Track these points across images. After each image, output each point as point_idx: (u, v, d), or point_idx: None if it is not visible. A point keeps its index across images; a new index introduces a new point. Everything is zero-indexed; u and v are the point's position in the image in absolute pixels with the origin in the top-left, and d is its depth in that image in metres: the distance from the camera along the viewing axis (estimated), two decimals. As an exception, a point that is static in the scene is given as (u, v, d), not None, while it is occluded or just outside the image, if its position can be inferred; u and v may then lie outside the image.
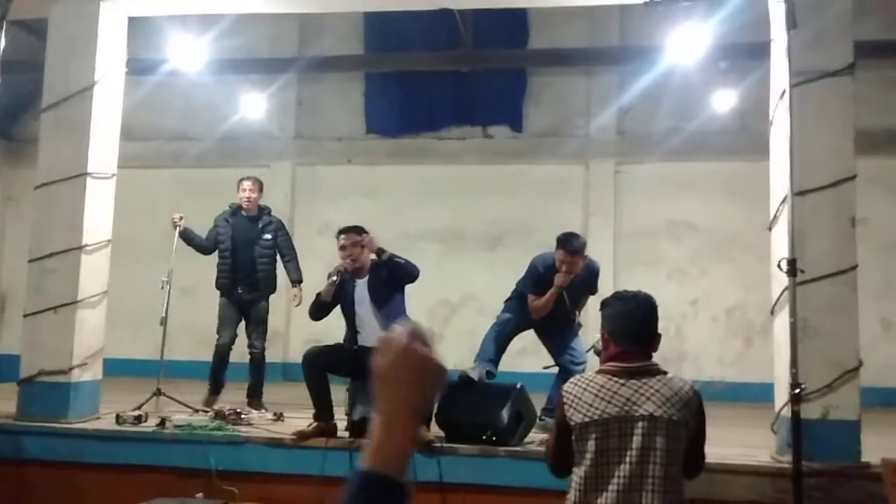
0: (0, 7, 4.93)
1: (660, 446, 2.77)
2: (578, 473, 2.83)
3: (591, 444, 2.79)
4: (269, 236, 6.77)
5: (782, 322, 4.76)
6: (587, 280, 5.94)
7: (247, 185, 6.82)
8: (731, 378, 9.22)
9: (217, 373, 6.66)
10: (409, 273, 5.50)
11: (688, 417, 2.83)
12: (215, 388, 6.61)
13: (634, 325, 2.94)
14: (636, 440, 2.76)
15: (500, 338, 5.87)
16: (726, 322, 9.55)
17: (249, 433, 5.54)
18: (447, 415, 5.30)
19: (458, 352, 9.19)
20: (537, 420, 5.59)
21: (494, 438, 5.10)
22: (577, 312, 5.78)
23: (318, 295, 5.54)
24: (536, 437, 5.38)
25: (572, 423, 2.83)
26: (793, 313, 4.42)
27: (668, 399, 2.80)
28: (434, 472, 5.05)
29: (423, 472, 5.06)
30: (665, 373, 2.89)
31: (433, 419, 5.32)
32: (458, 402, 5.31)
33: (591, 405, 2.80)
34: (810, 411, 4.59)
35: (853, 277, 4.84)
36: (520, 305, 5.95)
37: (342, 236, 5.58)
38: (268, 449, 5.37)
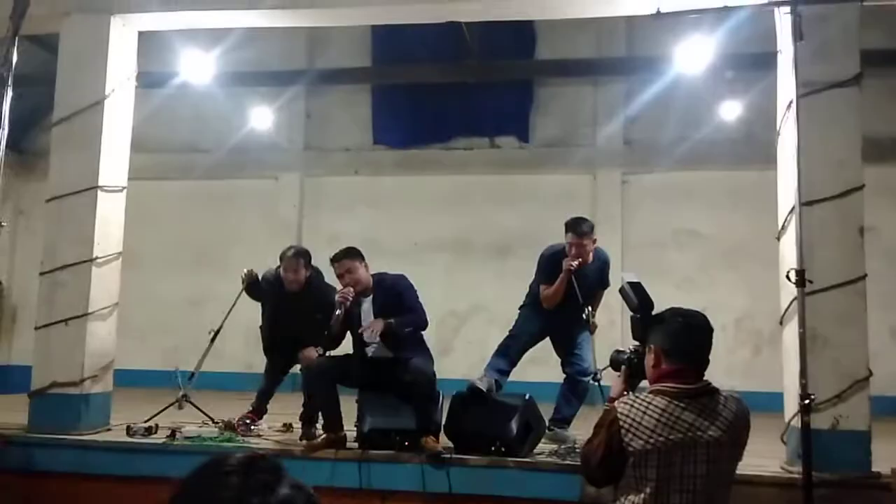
0: (12, 24, 4.98)
1: (725, 470, 2.74)
2: (633, 501, 2.71)
3: (651, 472, 2.67)
4: None
5: (791, 332, 4.77)
6: (598, 271, 5.95)
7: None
8: (740, 387, 9.09)
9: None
10: (419, 328, 5.48)
11: (745, 438, 2.82)
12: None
13: (696, 343, 2.83)
14: (701, 467, 2.67)
15: (513, 350, 5.86)
16: (735, 331, 9.52)
17: (259, 444, 5.56)
18: (456, 426, 5.32)
19: (467, 362, 9.23)
20: (546, 430, 5.59)
21: (503, 449, 5.11)
22: (590, 310, 5.75)
23: (330, 329, 5.46)
24: (546, 448, 5.39)
25: (630, 449, 2.67)
26: (802, 324, 4.43)
27: (730, 423, 2.73)
28: (443, 484, 5.06)
29: (433, 483, 5.08)
30: (719, 391, 2.81)
31: (442, 430, 5.34)
32: (467, 413, 5.33)
33: (652, 430, 2.66)
34: (820, 421, 4.59)
35: (862, 287, 4.84)
36: (533, 312, 5.95)
37: (335, 265, 5.48)
38: (278, 460, 5.36)
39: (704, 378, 2.82)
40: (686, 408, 2.70)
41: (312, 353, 5.81)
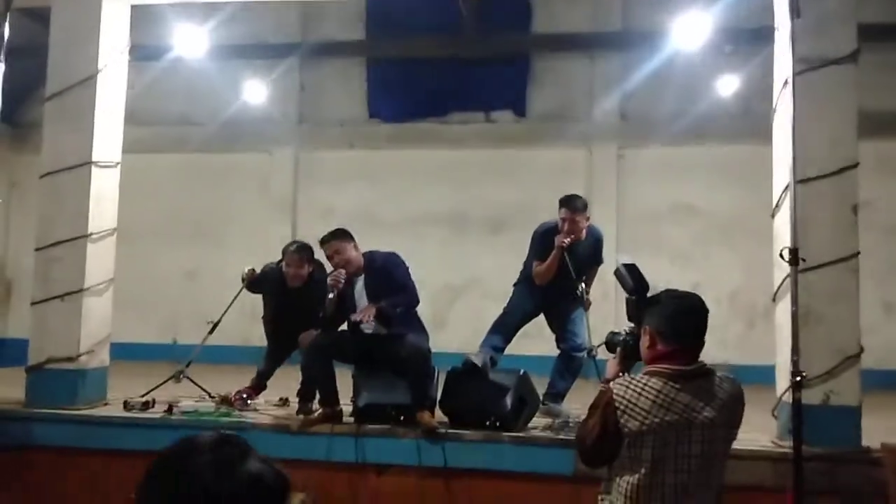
0: (4, -2, 4.93)
1: (720, 451, 2.77)
2: (629, 481, 2.73)
3: (647, 453, 2.69)
4: None
5: (784, 309, 4.80)
6: (592, 247, 5.97)
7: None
8: (734, 361, 9.24)
9: None
10: (410, 307, 5.47)
11: (740, 419, 2.85)
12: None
13: (691, 325, 2.85)
14: (696, 447, 2.70)
15: (508, 326, 5.89)
16: (728, 305, 9.57)
17: (256, 419, 5.60)
18: (451, 401, 5.36)
19: (462, 335, 9.25)
20: (540, 405, 5.64)
21: (498, 424, 5.16)
22: (584, 287, 5.78)
23: (325, 311, 5.46)
24: (540, 423, 5.44)
25: (626, 430, 2.70)
26: (794, 301, 4.46)
27: (725, 403, 2.76)
28: (439, 458, 5.12)
29: (428, 457, 5.14)
30: (714, 372, 2.82)
31: (437, 405, 5.38)
32: (461, 388, 5.37)
33: (648, 412, 2.68)
34: (811, 397, 4.64)
35: (855, 265, 4.86)
36: (527, 290, 5.97)
37: (324, 247, 5.48)
38: (274, 435, 5.43)
39: (700, 359, 2.84)
40: (681, 389, 2.72)
41: (311, 336, 5.84)
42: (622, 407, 2.71)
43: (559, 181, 10.05)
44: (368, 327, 5.28)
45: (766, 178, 5.37)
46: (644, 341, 2.91)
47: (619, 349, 3.07)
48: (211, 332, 6.37)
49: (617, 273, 3.27)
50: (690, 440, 2.70)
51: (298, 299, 5.99)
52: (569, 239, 5.64)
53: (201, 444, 1.26)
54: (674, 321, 2.84)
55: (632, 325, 3.07)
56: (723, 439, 2.80)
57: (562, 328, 5.93)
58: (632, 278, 3.15)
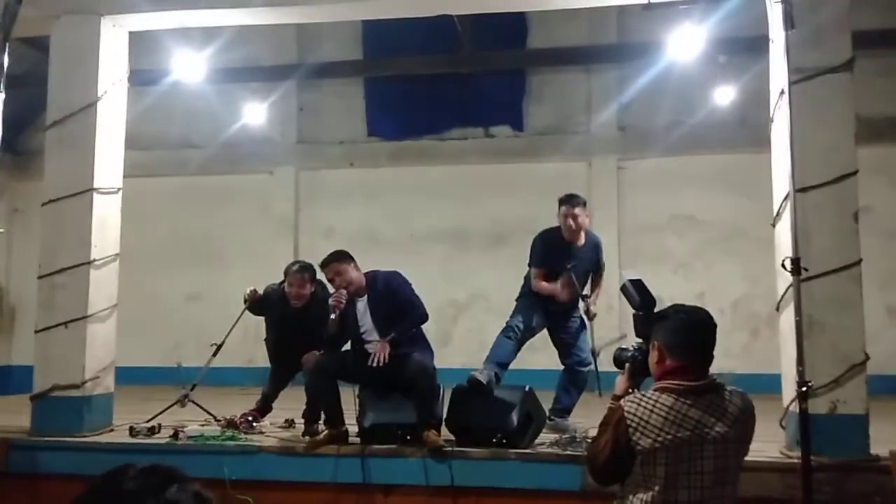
0: (2, 28, 4.96)
1: (732, 466, 2.75)
2: (643, 498, 2.72)
3: (660, 470, 2.68)
4: None
5: (788, 319, 4.80)
6: (591, 252, 5.99)
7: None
8: (739, 370, 9.22)
9: None
10: (420, 324, 5.51)
11: (751, 433, 2.83)
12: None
13: (699, 340, 2.82)
14: (708, 463, 2.68)
15: (511, 343, 5.85)
16: (732, 315, 9.55)
17: (262, 442, 5.59)
18: (457, 419, 5.35)
19: (466, 351, 9.27)
20: (547, 420, 5.63)
21: (504, 441, 5.14)
22: (589, 299, 5.80)
23: (327, 332, 5.48)
24: (547, 438, 5.43)
25: (638, 448, 2.68)
26: (798, 312, 4.46)
27: (737, 418, 2.74)
28: (446, 477, 5.10)
29: (435, 476, 5.12)
30: (724, 386, 2.81)
31: (443, 424, 5.37)
32: (467, 406, 5.36)
33: (660, 429, 2.67)
34: (818, 406, 4.62)
35: (857, 272, 4.85)
36: (530, 304, 5.97)
37: (324, 270, 5.50)
38: (281, 458, 5.42)
39: (710, 374, 2.82)
40: (693, 405, 2.71)
41: (314, 357, 5.84)
42: (634, 424, 2.70)
43: (559, 194, 10.00)
44: (384, 361, 5.25)
45: (767, 186, 5.38)
46: (653, 356, 2.89)
47: (627, 365, 3.06)
48: (215, 354, 6.37)
49: (623, 289, 3.27)
50: (703, 456, 2.68)
51: (301, 319, 5.99)
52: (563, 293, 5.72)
53: (128, 475, 1.32)
54: (682, 336, 2.82)
55: (639, 340, 3.07)
56: (735, 454, 2.77)
57: (565, 343, 5.93)
58: (638, 294, 3.15)
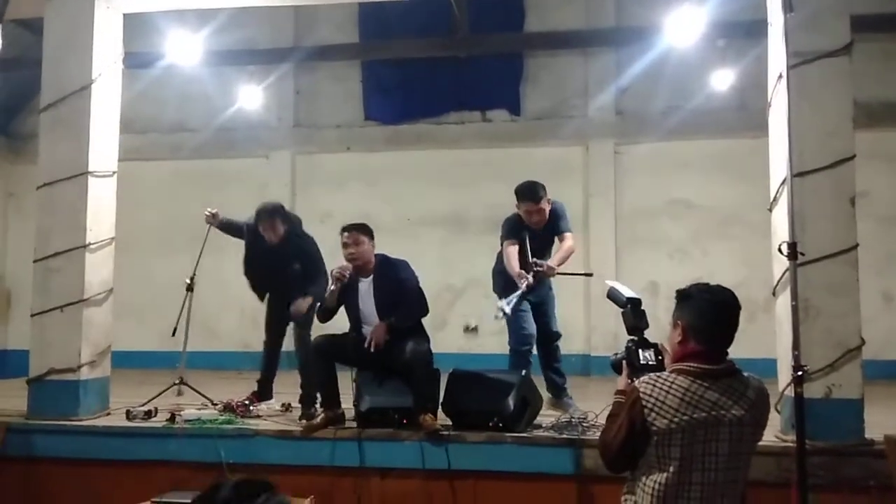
0: (-4, 9, 4.93)
1: (746, 450, 2.74)
2: (657, 480, 2.69)
3: (675, 451, 2.66)
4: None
5: (784, 303, 4.80)
6: (550, 226, 5.93)
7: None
8: (736, 355, 9.20)
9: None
10: (418, 320, 5.50)
11: (766, 418, 2.82)
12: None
13: (725, 322, 2.78)
14: (723, 446, 2.66)
15: (523, 318, 5.79)
16: (729, 299, 9.56)
17: (259, 426, 5.59)
18: (454, 403, 5.36)
19: (463, 336, 9.28)
20: (549, 399, 5.77)
21: (501, 425, 5.15)
22: (540, 265, 5.71)
23: (324, 301, 5.49)
24: (544, 421, 5.44)
25: (654, 429, 2.66)
26: (794, 296, 4.46)
27: (753, 402, 2.73)
28: (442, 460, 5.12)
29: (432, 459, 5.13)
30: (741, 371, 2.78)
31: (440, 408, 5.38)
32: (464, 390, 5.38)
33: (676, 410, 2.64)
34: (813, 391, 4.64)
35: (854, 257, 4.85)
36: (508, 279, 5.87)
37: (345, 234, 5.47)
38: (278, 441, 5.43)
39: (728, 357, 2.79)
40: (709, 387, 2.68)
41: (303, 305, 5.90)
42: (649, 405, 2.67)
43: (556, 178, 10.02)
44: (380, 346, 5.27)
45: (764, 171, 5.36)
46: (674, 335, 2.84)
47: (623, 362, 3.03)
48: (189, 289, 6.66)
49: (608, 294, 3.29)
50: (718, 438, 2.66)
51: (276, 252, 6.16)
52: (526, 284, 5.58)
53: (223, 486, 1.52)
54: (707, 316, 2.78)
55: (631, 338, 3.06)
56: (751, 438, 2.76)
57: (538, 319, 5.90)
58: (634, 317, 3.12)
